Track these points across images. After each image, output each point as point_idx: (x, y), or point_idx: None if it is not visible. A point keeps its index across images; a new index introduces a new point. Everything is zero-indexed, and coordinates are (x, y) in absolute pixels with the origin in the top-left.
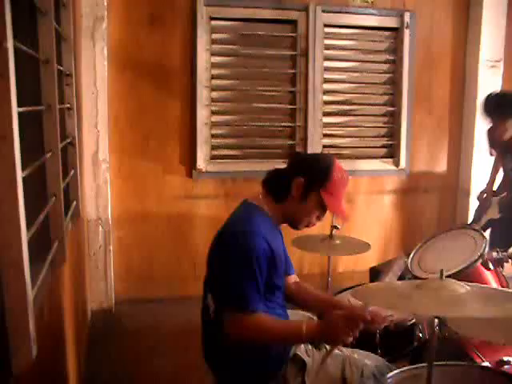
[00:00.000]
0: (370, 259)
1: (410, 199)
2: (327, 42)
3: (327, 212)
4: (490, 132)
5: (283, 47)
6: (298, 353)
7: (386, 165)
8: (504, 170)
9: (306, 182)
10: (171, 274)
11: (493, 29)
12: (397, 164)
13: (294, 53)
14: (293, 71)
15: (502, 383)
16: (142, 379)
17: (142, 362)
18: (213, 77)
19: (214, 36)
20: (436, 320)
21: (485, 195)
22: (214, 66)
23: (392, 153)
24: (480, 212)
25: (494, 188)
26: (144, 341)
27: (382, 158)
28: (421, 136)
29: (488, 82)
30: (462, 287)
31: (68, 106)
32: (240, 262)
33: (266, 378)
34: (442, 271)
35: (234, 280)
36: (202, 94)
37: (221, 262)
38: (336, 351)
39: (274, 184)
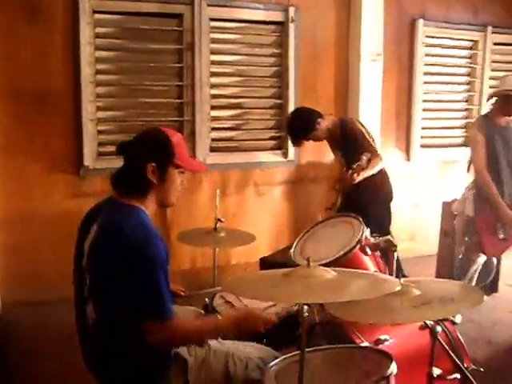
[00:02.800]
0: (263, 250)
1: (300, 189)
2: (213, 35)
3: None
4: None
5: (169, 41)
6: (180, 352)
7: (274, 156)
8: (338, 160)
9: (157, 164)
10: (60, 275)
11: (372, 23)
12: (285, 155)
13: (180, 47)
14: (179, 65)
15: (380, 360)
16: (33, 382)
17: (33, 365)
18: (98, 72)
19: (98, 30)
20: (305, 307)
21: None
22: (98, 60)
23: (280, 145)
24: (337, 198)
25: None
26: (34, 343)
27: (270, 150)
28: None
29: (370, 74)
30: (329, 273)
31: None
32: (150, 271)
33: (151, 379)
34: (308, 259)
35: (149, 289)
36: (87, 90)
37: (126, 272)
38: (218, 346)
39: (130, 183)
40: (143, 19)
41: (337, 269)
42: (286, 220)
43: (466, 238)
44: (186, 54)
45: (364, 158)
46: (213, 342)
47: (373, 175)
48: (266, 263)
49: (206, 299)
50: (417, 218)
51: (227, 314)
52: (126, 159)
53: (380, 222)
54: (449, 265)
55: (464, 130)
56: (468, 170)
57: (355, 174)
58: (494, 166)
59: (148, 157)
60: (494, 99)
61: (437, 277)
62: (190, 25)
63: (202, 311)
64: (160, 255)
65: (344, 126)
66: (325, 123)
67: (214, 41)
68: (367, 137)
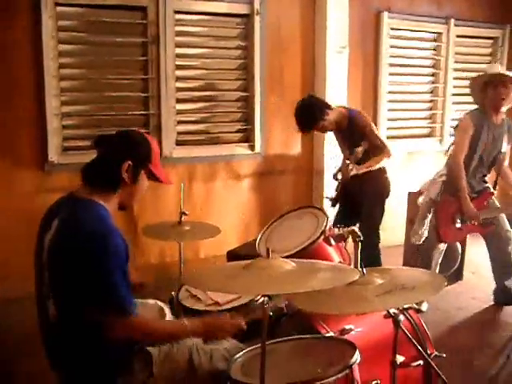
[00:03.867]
0: (232, 243)
1: (267, 182)
2: (178, 28)
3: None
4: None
5: (133, 34)
6: (143, 345)
7: (241, 149)
8: (343, 153)
9: (133, 163)
10: (25, 272)
11: (338, 16)
12: (252, 148)
13: (144, 40)
14: (144, 58)
15: (343, 350)
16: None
17: (7, 363)
18: (61, 66)
19: (61, 23)
20: (266, 298)
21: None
22: (62, 54)
23: (247, 137)
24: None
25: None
26: (5, 342)
27: (237, 142)
28: (274, 120)
29: (335, 66)
30: (288, 264)
31: None
32: (107, 265)
33: (114, 375)
34: (268, 250)
35: (109, 285)
36: (51, 84)
37: (85, 267)
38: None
39: (102, 176)
40: (107, 12)
41: (296, 260)
42: (254, 212)
43: (429, 220)
44: (150, 47)
45: (359, 149)
46: None
47: (371, 170)
48: (233, 256)
49: (172, 293)
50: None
51: (194, 320)
52: (101, 152)
53: (371, 216)
54: (415, 253)
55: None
56: (445, 153)
57: (350, 167)
58: (468, 159)
59: (127, 154)
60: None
61: (404, 265)
62: (154, 18)
63: (162, 304)
64: (118, 250)
65: (352, 118)
66: (333, 115)
67: (178, 34)
68: (374, 130)
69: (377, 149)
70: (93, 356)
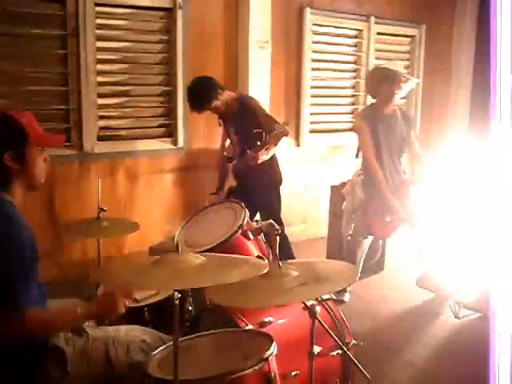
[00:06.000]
0: (156, 238)
1: (191, 176)
2: (99, 21)
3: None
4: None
5: (52, 26)
6: (57, 343)
7: (164, 144)
8: (229, 138)
9: (12, 151)
10: None
11: (260, 11)
12: (175, 143)
13: (64, 32)
14: (63, 51)
15: (261, 342)
16: None
17: None
18: None
19: None
20: (176, 293)
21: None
22: None
23: (170, 132)
24: (221, 180)
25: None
26: None
27: (160, 137)
28: (197, 115)
29: (258, 61)
30: (198, 258)
31: None
32: (13, 262)
33: (27, 375)
34: (177, 245)
35: (11, 280)
36: None
37: None
38: (98, 333)
39: None
40: (25, 2)
41: (207, 254)
42: (178, 207)
43: (353, 221)
44: (70, 40)
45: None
46: (92, 330)
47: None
48: (155, 251)
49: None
50: (308, 202)
51: (87, 304)
52: None
53: (270, 206)
54: (338, 245)
55: (352, 117)
56: (357, 155)
57: (258, 153)
58: (377, 153)
59: (1, 147)
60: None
61: (328, 257)
62: (73, 9)
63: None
64: (21, 244)
65: (243, 100)
66: (225, 96)
67: (99, 27)
68: (266, 112)
69: (271, 129)
70: (3, 359)
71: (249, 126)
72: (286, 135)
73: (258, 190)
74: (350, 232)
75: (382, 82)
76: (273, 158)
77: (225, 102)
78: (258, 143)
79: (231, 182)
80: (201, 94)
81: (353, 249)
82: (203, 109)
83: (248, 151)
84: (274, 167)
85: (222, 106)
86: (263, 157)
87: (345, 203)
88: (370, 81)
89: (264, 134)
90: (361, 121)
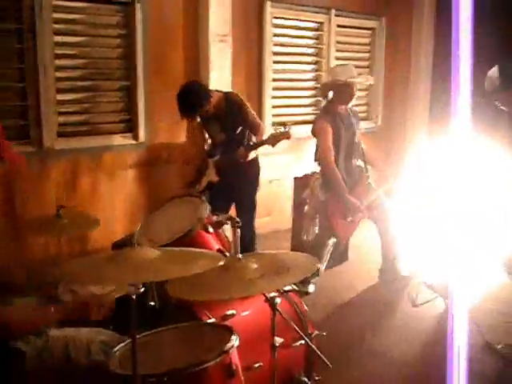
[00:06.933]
0: (120, 234)
1: (153, 171)
2: (56, 15)
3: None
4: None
5: (7, 20)
6: (16, 344)
7: (125, 139)
8: (210, 135)
9: None
10: None
11: (220, 4)
12: (136, 138)
13: (19, 26)
14: (19, 46)
15: (222, 335)
16: None
17: None
18: None
19: None
20: (132, 287)
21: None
22: None
23: (130, 127)
24: (198, 174)
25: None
26: None
27: (120, 132)
28: (159, 109)
29: (219, 55)
30: (153, 252)
31: None
32: None
33: None
34: (132, 239)
35: None
36: None
37: None
38: (57, 333)
39: None
40: None
41: (164, 248)
42: (140, 202)
43: (317, 223)
44: (26, 34)
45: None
46: (52, 330)
47: None
48: (117, 247)
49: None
50: (272, 194)
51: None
52: None
53: (253, 202)
54: (304, 247)
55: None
56: (315, 159)
57: (248, 152)
58: (336, 154)
59: None
60: (331, 92)
61: (292, 249)
62: (29, 3)
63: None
64: None
65: (230, 98)
66: (214, 97)
67: (56, 21)
68: (251, 109)
69: (255, 127)
70: None
71: (236, 123)
72: (289, 139)
73: (242, 185)
74: (311, 237)
75: (337, 86)
76: (256, 154)
77: (214, 104)
78: (251, 143)
79: (212, 176)
80: (193, 102)
81: (318, 252)
82: (196, 115)
83: (240, 148)
84: (258, 164)
85: (211, 108)
86: (251, 154)
87: (306, 207)
88: (324, 89)
89: (247, 132)
90: (323, 121)
